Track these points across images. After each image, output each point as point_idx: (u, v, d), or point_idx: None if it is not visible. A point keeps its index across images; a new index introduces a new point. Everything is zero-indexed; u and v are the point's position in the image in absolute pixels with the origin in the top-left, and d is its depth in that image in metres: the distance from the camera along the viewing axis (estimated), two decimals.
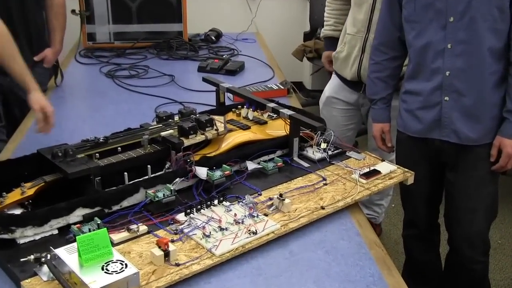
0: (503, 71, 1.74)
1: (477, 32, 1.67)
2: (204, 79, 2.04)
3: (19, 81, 1.78)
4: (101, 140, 1.52)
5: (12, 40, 1.77)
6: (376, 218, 2.85)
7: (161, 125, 1.66)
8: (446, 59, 1.73)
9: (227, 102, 2.07)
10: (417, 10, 1.74)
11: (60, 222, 1.31)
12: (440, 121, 1.83)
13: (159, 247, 1.21)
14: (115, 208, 1.38)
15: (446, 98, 1.78)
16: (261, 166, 1.62)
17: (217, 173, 1.50)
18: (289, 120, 1.71)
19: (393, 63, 1.95)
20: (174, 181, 1.45)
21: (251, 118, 1.89)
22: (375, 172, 1.61)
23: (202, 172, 1.49)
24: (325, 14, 2.59)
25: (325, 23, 2.60)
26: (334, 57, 2.48)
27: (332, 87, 2.55)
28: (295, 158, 1.71)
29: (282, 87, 2.39)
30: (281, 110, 1.75)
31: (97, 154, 1.49)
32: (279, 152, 1.72)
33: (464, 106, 1.78)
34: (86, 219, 1.33)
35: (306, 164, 1.67)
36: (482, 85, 1.74)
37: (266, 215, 1.39)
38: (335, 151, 1.75)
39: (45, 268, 1.16)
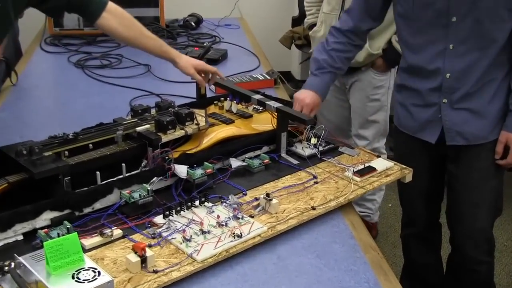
0: (509, 69, 1.76)
1: (482, 32, 1.68)
2: None
3: (159, 54, 1.87)
4: (70, 137, 1.52)
5: (133, 18, 1.84)
6: (370, 216, 2.87)
7: (136, 119, 1.66)
8: (447, 60, 1.74)
9: (209, 94, 2.07)
10: (416, 8, 1.73)
11: (26, 227, 1.30)
12: (433, 122, 1.84)
13: (135, 252, 1.21)
14: (86, 210, 1.38)
15: (445, 100, 1.80)
16: (246, 164, 1.63)
17: (198, 172, 1.50)
18: (276, 113, 1.72)
19: (356, 48, 1.97)
20: (151, 181, 1.45)
21: (234, 111, 1.89)
22: (370, 169, 1.62)
23: (181, 170, 1.49)
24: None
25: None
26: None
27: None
28: (283, 155, 1.71)
29: (269, 77, 2.40)
30: (267, 102, 1.75)
31: (66, 152, 1.48)
32: (265, 148, 1.72)
33: (466, 107, 1.79)
34: (55, 223, 1.32)
35: (295, 161, 1.68)
36: (487, 86, 1.76)
37: (252, 216, 1.39)
38: (327, 147, 1.76)
39: (8, 277, 1.15)
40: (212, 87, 2.26)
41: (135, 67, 2.60)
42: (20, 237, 1.30)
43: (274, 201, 1.42)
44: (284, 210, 1.43)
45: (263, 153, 1.69)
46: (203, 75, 1.91)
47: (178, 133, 1.62)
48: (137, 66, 2.60)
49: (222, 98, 1.97)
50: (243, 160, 1.64)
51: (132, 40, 1.83)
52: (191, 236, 1.30)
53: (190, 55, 2.68)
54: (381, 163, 1.67)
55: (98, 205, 1.39)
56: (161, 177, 1.47)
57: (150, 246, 1.27)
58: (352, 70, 2.53)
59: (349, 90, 2.63)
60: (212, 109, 1.94)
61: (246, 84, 2.32)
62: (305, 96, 1.84)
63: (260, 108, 1.93)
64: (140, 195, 1.39)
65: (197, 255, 1.25)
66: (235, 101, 1.89)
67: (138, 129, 1.58)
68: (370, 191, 1.57)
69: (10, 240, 1.29)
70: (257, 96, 1.81)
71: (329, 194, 1.52)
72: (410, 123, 1.91)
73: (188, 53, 2.70)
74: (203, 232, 1.31)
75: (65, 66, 2.62)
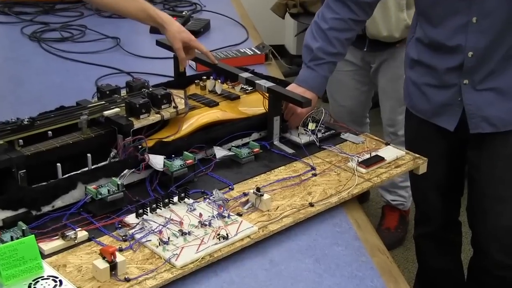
0: None
1: (510, 3, 1.68)
2: (158, 43, 2.03)
3: (144, 20, 1.83)
4: (25, 122, 1.51)
5: None
6: (404, 204, 2.95)
7: (103, 102, 1.66)
8: (469, 36, 1.74)
9: (189, 72, 2.07)
10: None
11: None
12: (452, 107, 1.84)
13: (104, 258, 1.22)
14: (45, 209, 1.38)
15: (466, 81, 1.80)
16: (232, 153, 1.63)
17: (177, 163, 1.50)
18: (267, 94, 1.72)
19: (359, 26, 1.93)
20: (122, 174, 1.46)
21: (219, 92, 1.90)
22: (378, 159, 1.63)
23: (157, 161, 1.49)
24: None
25: None
26: None
27: None
28: (276, 143, 1.72)
29: (259, 52, 2.40)
30: (257, 81, 1.76)
31: (20, 141, 1.48)
32: (255, 135, 1.73)
33: (491, 87, 1.79)
34: (7, 224, 1.32)
35: (289, 150, 1.69)
36: None
37: (240, 215, 1.40)
38: (327, 133, 1.77)
39: None
40: (193, 63, 2.26)
41: (101, 41, 2.59)
42: None
43: (266, 196, 1.43)
44: (278, 207, 1.44)
45: (253, 140, 1.70)
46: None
47: (153, 117, 1.62)
48: (104, 39, 2.59)
49: (205, 77, 1.97)
50: (229, 149, 1.65)
51: (110, 3, 1.81)
52: (168, 238, 1.30)
53: None
54: (390, 152, 1.68)
55: (59, 203, 1.39)
56: (133, 170, 1.48)
57: (121, 250, 1.28)
58: (382, 47, 2.55)
59: (378, 70, 2.66)
60: (193, 89, 1.94)
61: (233, 60, 2.32)
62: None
63: (249, 88, 1.93)
64: (108, 190, 1.40)
65: (176, 260, 1.25)
66: (219, 80, 1.89)
67: (106, 113, 1.58)
68: (378, 184, 1.58)
69: None
70: (245, 74, 1.82)
71: (330, 188, 1.53)
72: (424, 106, 1.91)
73: None
74: (183, 234, 1.32)
75: (18, 39, 2.60)
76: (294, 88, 1.81)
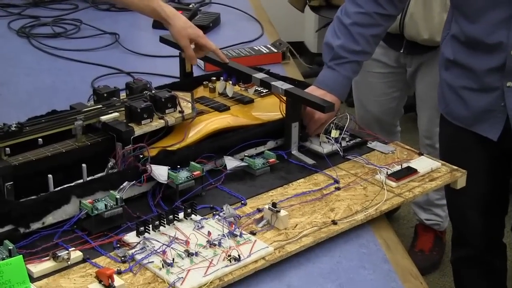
0: None
1: None
2: (162, 39, 2.04)
3: (147, 13, 1.86)
4: (13, 128, 1.52)
5: None
6: (440, 224, 2.93)
7: (100, 105, 1.67)
8: None
9: (196, 73, 2.08)
10: None
11: None
12: (495, 113, 1.83)
13: (100, 281, 1.22)
14: (35, 226, 1.39)
15: (510, 83, 1.79)
16: (245, 164, 1.64)
17: (183, 174, 1.51)
18: (285, 97, 1.73)
19: (387, 21, 1.93)
20: (121, 186, 1.46)
21: (230, 95, 1.90)
22: (410, 171, 1.63)
23: (161, 172, 1.50)
24: None
25: None
26: None
27: None
28: (294, 152, 1.72)
29: (275, 50, 2.41)
30: (273, 83, 1.76)
31: (7, 149, 1.49)
32: (271, 144, 1.74)
33: None
34: None
35: (310, 161, 1.69)
36: None
37: (253, 233, 1.41)
38: (352, 142, 1.77)
39: None
40: (201, 62, 2.27)
41: (98, 37, 2.61)
42: None
43: (283, 213, 1.43)
44: (296, 225, 1.45)
45: (268, 150, 1.71)
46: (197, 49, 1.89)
47: (156, 123, 1.63)
48: (101, 35, 2.61)
49: (214, 78, 1.98)
50: (242, 159, 1.65)
51: None
52: (173, 260, 1.31)
53: None
54: (424, 163, 1.68)
55: (50, 219, 1.40)
56: (134, 182, 1.48)
57: (119, 272, 1.28)
58: (422, 50, 2.54)
59: (415, 74, 2.65)
60: (201, 92, 1.95)
61: (245, 59, 2.32)
62: None
63: (264, 91, 1.94)
64: (106, 205, 1.40)
65: (181, 284, 1.26)
66: (230, 82, 1.90)
67: (103, 118, 1.59)
68: (410, 200, 1.58)
69: None
70: (260, 75, 1.82)
71: (355, 204, 1.53)
72: (462, 112, 1.91)
73: None
74: (189, 254, 1.32)
75: (4, 35, 2.62)
76: (313, 91, 1.81)
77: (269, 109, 1.84)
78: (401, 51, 2.58)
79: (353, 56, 1.85)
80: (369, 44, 1.87)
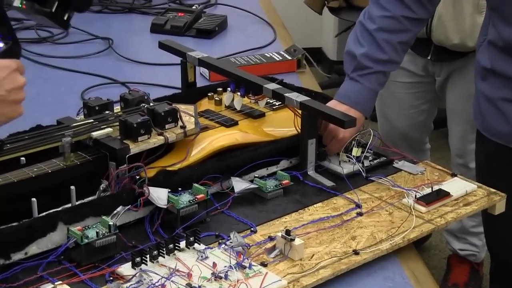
0: None
1: None
2: (162, 45, 2.05)
3: None
4: None
5: None
6: (476, 254, 2.92)
7: (91, 120, 1.68)
8: None
9: (200, 83, 2.09)
10: None
11: None
12: None
13: None
14: (16, 257, 1.39)
15: None
16: (255, 186, 1.64)
17: (185, 198, 1.51)
18: (300, 111, 1.73)
19: (416, 26, 1.91)
20: (115, 212, 1.46)
21: (238, 108, 1.91)
22: (442, 195, 1.64)
23: (160, 196, 1.50)
24: None
25: None
26: None
27: None
28: (311, 173, 1.73)
29: (289, 57, 2.41)
30: (287, 94, 1.77)
31: None
32: (284, 163, 1.74)
33: None
34: None
35: (328, 183, 1.70)
36: None
37: (264, 265, 1.41)
38: (376, 161, 1.78)
39: None
40: (205, 71, 2.28)
41: (89, 42, 2.62)
42: None
43: (298, 241, 1.44)
44: (313, 255, 1.45)
45: (281, 170, 1.71)
46: None
47: (155, 140, 1.63)
48: (93, 41, 2.62)
49: (220, 89, 1.98)
50: (251, 181, 1.66)
51: None
52: None
53: (172, 24, 2.71)
54: (458, 185, 1.68)
55: (34, 249, 1.40)
56: (129, 206, 1.49)
57: None
58: (452, 56, 2.54)
59: (445, 84, 2.64)
60: (205, 104, 1.96)
61: (256, 67, 2.33)
62: None
63: (277, 104, 1.94)
64: (97, 233, 1.41)
65: None
66: (238, 93, 1.90)
67: (95, 134, 1.60)
68: (442, 227, 1.58)
69: None
70: (272, 86, 1.83)
71: (380, 231, 1.53)
72: (502, 127, 1.91)
73: (168, 21, 2.73)
74: None
75: None
76: (334, 106, 1.81)
77: (282, 124, 1.85)
78: (429, 58, 2.58)
79: (379, 66, 1.85)
80: (396, 52, 1.87)
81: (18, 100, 1.35)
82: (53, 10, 1.50)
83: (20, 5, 1.52)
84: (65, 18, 1.54)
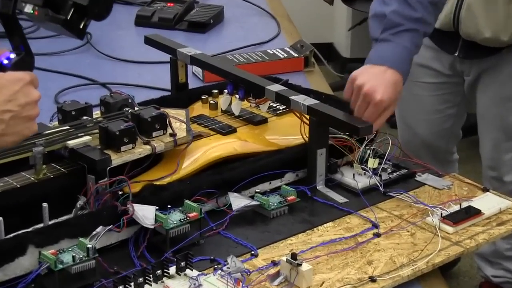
0: None
1: None
2: (148, 40, 2.06)
3: None
4: None
5: None
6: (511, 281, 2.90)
7: (67, 127, 1.68)
8: None
9: (193, 84, 2.09)
10: None
11: None
12: None
13: None
14: None
15: None
16: (257, 203, 1.64)
17: (175, 217, 1.51)
18: (308, 117, 1.73)
19: None
20: (94, 233, 1.46)
21: (237, 113, 1.91)
22: (472, 213, 1.63)
23: (146, 214, 1.50)
24: None
25: None
26: None
27: None
28: (320, 187, 1.73)
29: (296, 55, 2.42)
30: (292, 97, 1.77)
31: None
32: (289, 177, 1.74)
33: None
34: None
35: (341, 199, 1.70)
36: None
37: None
38: (395, 174, 1.78)
39: None
40: (199, 71, 2.28)
41: (64, 37, 2.60)
42: None
43: (305, 267, 1.43)
44: (323, 282, 1.45)
45: (286, 184, 1.71)
46: None
47: (140, 150, 1.64)
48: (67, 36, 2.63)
49: (216, 91, 1.99)
50: (252, 197, 1.66)
51: None
52: None
53: (160, 16, 2.71)
54: (490, 202, 1.68)
55: (0, 276, 1.40)
56: (111, 227, 1.49)
57: None
58: (483, 52, 2.53)
59: (475, 85, 2.62)
60: (199, 109, 1.96)
61: (257, 65, 2.34)
62: (370, 79, 1.82)
63: (281, 108, 1.95)
64: (74, 257, 1.40)
65: None
66: (237, 96, 1.91)
67: (71, 143, 1.60)
68: (472, 250, 1.58)
69: None
70: (276, 87, 1.83)
71: (400, 255, 1.53)
72: None
73: (155, 13, 2.73)
74: None
75: None
76: (366, 70, 1.82)
77: (288, 132, 1.85)
78: (456, 54, 2.57)
79: (411, 24, 1.86)
80: (428, 12, 1.88)
81: (33, 116, 1.36)
82: (69, 18, 1.51)
83: (32, 11, 1.52)
84: (81, 26, 1.55)
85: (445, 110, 2.74)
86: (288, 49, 2.44)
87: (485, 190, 1.75)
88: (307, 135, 1.74)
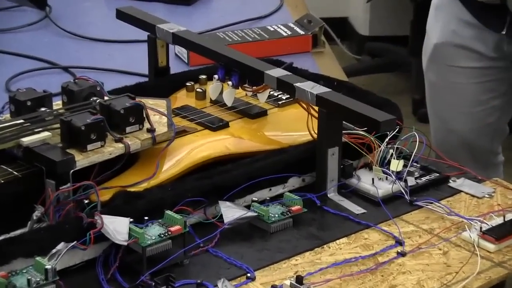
0: None
1: None
2: (121, 14, 2.07)
3: None
4: None
5: None
6: None
7: (21, 120, 1.69)
8: None
9: (175, 68, 2.10)
10: None
11: None
12: None
13: None
14: None
15: None
16: (254, 214, 1.65)
17: (154, 231, 1.52)
18: (317, 108, 1.74)
19: None
20: (54, 251, 1.47)
21: (229, 103, 1.92)
22: None
23: (117, 228, 1.51)
24: None
25: None
26: None
27: (444, 25, 2.64)
28: (332, 195, 1.74)
29: (302, 32, 2.43)
30: (298, 84, 1.78)
31: None
32: (294, 182, 1.76)
33: None
34: None
35: (357, 209, 1.71)
36: None
37: None
38: (424, 178, 1.79)
39: None
40: (183, 52, 2.29)
41: (17, 10, 2.62)
42: None
43: None
44: None
45: (290, 191, 1.72)
46: None
47: (111, 149, 1.65)
48: (23, 8, 2.63)
49: (203, 76, 2.00)
50: (248, 207, 1.67)
51: None
52: None
53: None
54: None
55: None
56: (75, 243, 1.49)
57: None
58: None
59: None
60: (183, 98, 1.97)
61: (255, 45, 2.34)
62: None
63: (283, 98, 1.95)
64: (29, 280, 1.41)
65: None
66: (229, 83, 1.91)
67: (26, 140, 1.61)
68: None
69: None
70: (277, 72, 1.84)
71: (430, 278, 1.54)
72: None
73: None
74: None
75: None
76: None
77: (291, 127, 1.86)
78: (504, 33, 2.57)
79: None
80: None
81: None
82: None
83: None
84: None
85: (489, 101, 2.73)
86: (292, 25, 2.45)
87: None
88: (316, 131, 1.76)
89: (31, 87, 1.80)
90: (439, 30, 2.65)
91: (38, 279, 1.41)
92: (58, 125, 1.65)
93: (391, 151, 1.78)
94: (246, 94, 1.95)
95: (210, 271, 1.53)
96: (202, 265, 1.55)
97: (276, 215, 1.65)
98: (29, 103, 1.73)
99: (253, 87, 1.88)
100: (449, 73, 2.63)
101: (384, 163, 1.78)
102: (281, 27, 2.43)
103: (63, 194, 1.55)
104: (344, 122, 1.75)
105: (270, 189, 1.72)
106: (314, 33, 2.40)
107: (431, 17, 2.71)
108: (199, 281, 1.50)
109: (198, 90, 1.96)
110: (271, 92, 1.93)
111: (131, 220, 1.53)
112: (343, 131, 1.76)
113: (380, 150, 1.77)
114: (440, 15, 2.66)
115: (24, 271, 1.43)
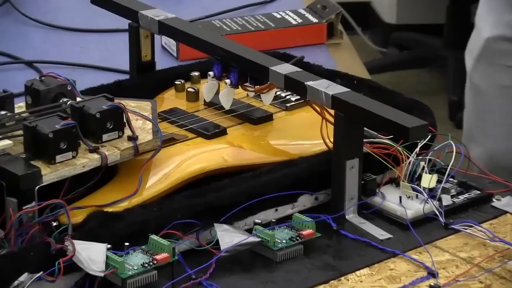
0: None
1: None
2: None
3: None
4: None
5: None
6: None
7: None
8: None
9: (163, 63, 2.11)
10: None
11: None
12: None
13: None
14: None
15: None
16: (257, 240, 1.65)
17: (136, 260, 1.52)
18: (332, 112, 1.74)
19: None
20: (17, 283, 1.47)
21: (227, 106, 1.92)
22: None
23: (92, 256, 1.51)
24: None
25: None
26: None
27: (499, 16, 2.65)
28: (351, 217, 1.74)
29: (314, 20, 2.43)
30: (309, 83, 1.78)
31: None
32: (305, 200, 1.76)
33: None
34: None
35: (381, 234, 1.71)
36: None
37: None
38: (462, 196, 1.79)
39: None
40: (171, 43, 2.30)
41: None
42: None
43: None
44: None
45: (300, 212, 1.73)
46: None
47: (85, 161, 1.65)
48: None
49: (196, 73, 2.00)
50: (250, 231, 1.67)
51: None
52: None
53: None
54: None
55: None
56: (41, 274, 1.50)
57: None
58: None
59: None
60: (171, 100, 1.98)
61: (258, 35, 2.35)
62: None
63: (293, 99, 1.96)
64: None
65: None
66: (227, 81, 1.92)
67: None
68: None
69: None
70: (285, 68, 1.84)
71: None
72: None
73: None
74: None
75: None
76: None
77: (302, 134, 1.87)
78: None
79: None
80: None
81: None
82: None
83: None
84: None
85: None
86: (303, 11, 2.46)
87: None
88: (331, 140, 1.76)
89: None
90: (492, 22, 2.66)
91: None
92: (21, 132, 1.65)
93: (422, 163, 1.78)
94: (248, 95, 1.95)
95: None
96: None
97: (284, 241, 1.65)
98: None
99: (256, 87, 1.89)
100: (496, 74, 2.63)
101: (414, 178, 1.78)
102: (290, 13, 2.44)
103: (27, 214, 1.55)
104: (365, 128, 1.75)
105: (276, 210, 1.72)
106: (329, 21, 2.41)
107: (482, 6, 2.71)
108: None
109: (189, 89, 1.97)
110: (278, 93, 1.94)
111: (109, 246, 1.53)
112: (365, 140, 1.76)
113: (409, 163, 1.77)
114: (494, 4, 2.67)
115: None
